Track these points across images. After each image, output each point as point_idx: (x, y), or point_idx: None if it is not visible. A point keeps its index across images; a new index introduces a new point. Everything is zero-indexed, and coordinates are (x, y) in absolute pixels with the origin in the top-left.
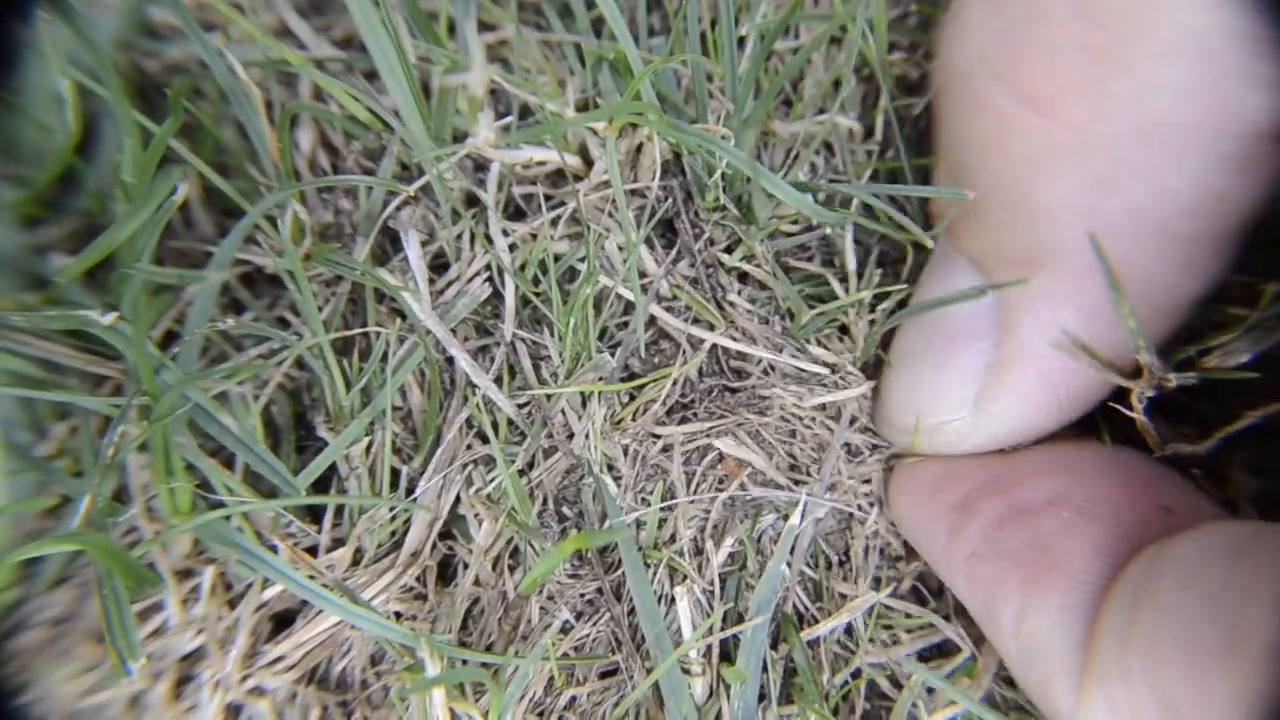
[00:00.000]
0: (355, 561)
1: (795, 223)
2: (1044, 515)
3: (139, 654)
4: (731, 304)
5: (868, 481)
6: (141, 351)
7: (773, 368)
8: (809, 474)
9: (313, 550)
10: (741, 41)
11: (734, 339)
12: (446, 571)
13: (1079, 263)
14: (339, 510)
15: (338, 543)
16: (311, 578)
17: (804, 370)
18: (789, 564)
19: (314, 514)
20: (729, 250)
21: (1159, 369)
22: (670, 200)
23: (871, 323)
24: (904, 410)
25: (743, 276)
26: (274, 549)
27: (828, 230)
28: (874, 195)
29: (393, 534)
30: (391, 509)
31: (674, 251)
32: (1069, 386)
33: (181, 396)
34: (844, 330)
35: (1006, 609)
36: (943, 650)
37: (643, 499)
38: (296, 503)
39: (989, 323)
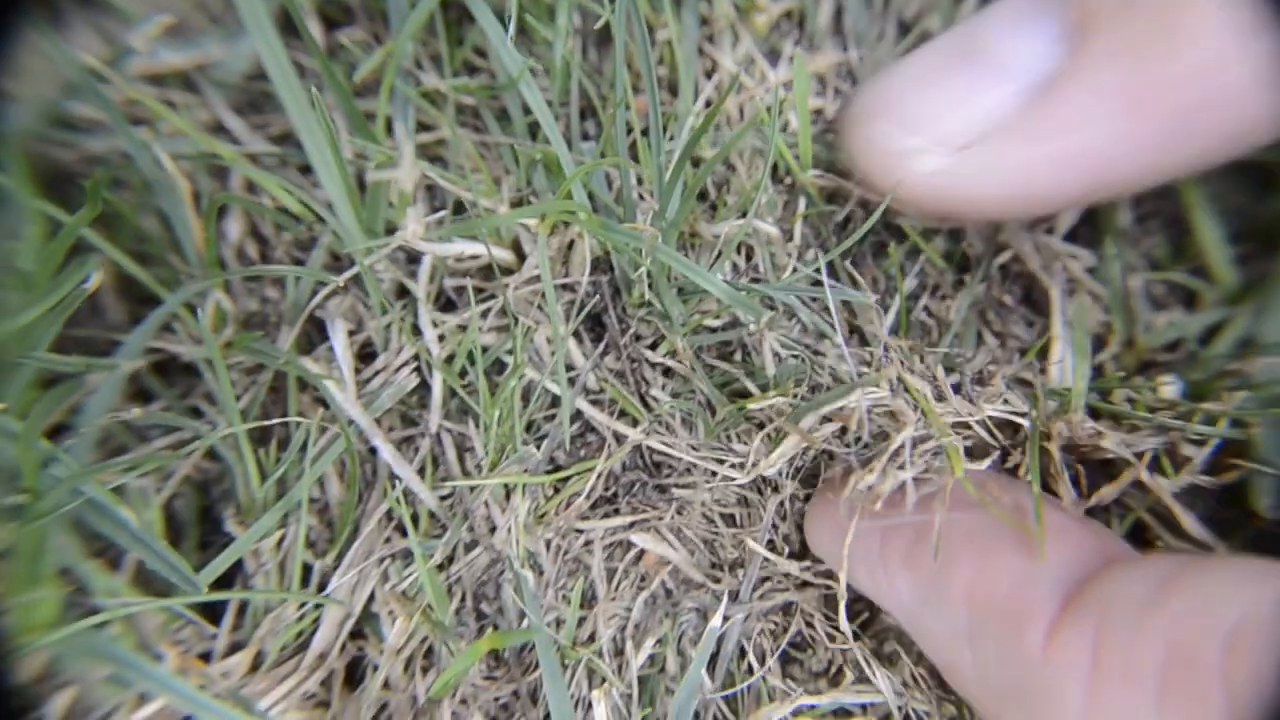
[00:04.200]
0: (255, 667)
1: (718, 318)
2: (984, 509)
3: None
4: (656, 399)
5: (787, 576)
6: (29, 445)
7: (695, 464)
8: (730, 571)
9: (207, 657)
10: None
11: (657, 433)
12: (355, 674)
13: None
14: (241, 611)
15: (236, 647)
16: (202, 687)
17: (721, 471)
18: (710, 668)
19: (212, 617)
20: (654, 346)
21: None
22: (599, 296)
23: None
24: (884, 112)
25: (668, 371)
26: (159, 658)
27: (749, 330)
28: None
29: (299, 635)
30: (300, 606)
31: (601, 345)
32: (1113, 155)
33: (71, 493)
34: (762, 427)
35: (958, 579)
36: None
37: (563, 596)
38: (190, 600)
39: (1044, 60)
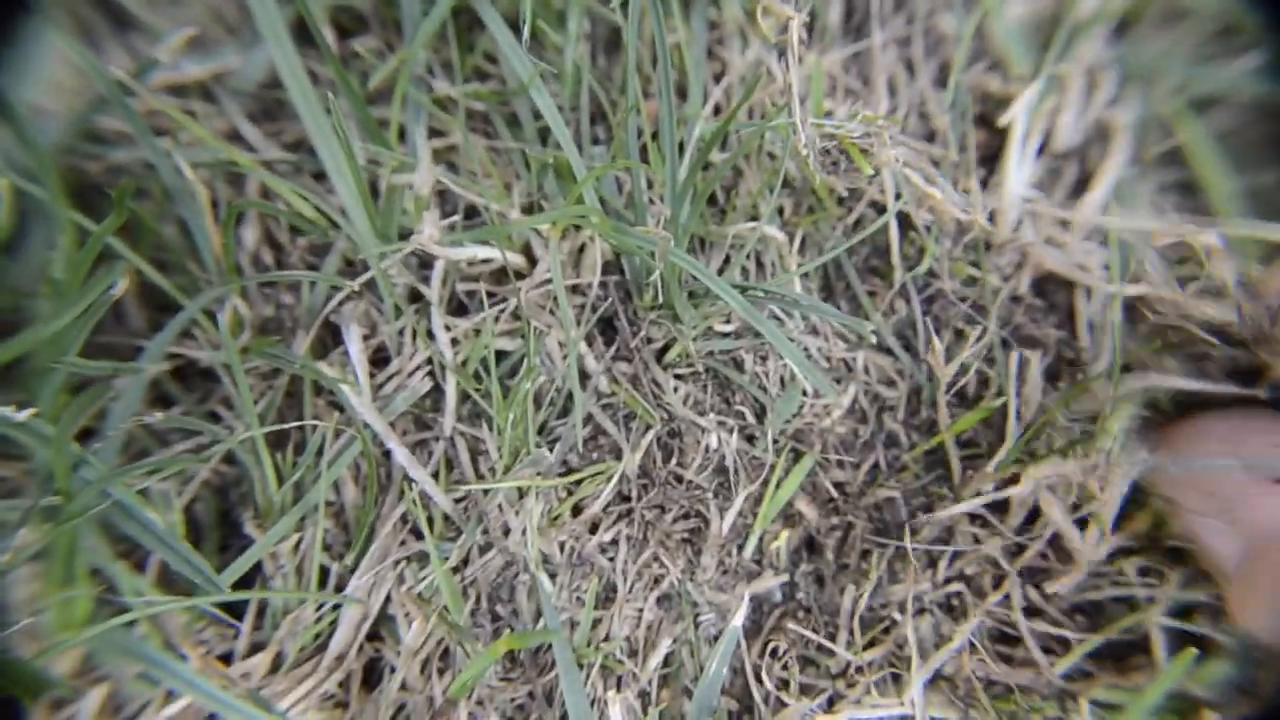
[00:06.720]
0: (274, 668)
1: (728, 321)
2: None
3: None
4: (668, 402)
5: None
6: (62, 449)
7: (706, 465)
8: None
9: (228, 657)
10: (681, 150)
11: (670, 436)
12: (372, 676)
13: None
14: (260, 613)
15: (256, 648)
16: (224, 688)
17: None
18: (733, 667)
19: (233, 618)
20: (665, 349)
21: None
22: (610, 299)
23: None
24: None
25: (680, 374)
26: (183, 657)
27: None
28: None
29: (317, 636)
30: (318, 607)
31: (613, 348)
32: None
33: (100, 494)
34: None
35: None
36: None
37: (577, 597)
38: (214, 600)
39: None
